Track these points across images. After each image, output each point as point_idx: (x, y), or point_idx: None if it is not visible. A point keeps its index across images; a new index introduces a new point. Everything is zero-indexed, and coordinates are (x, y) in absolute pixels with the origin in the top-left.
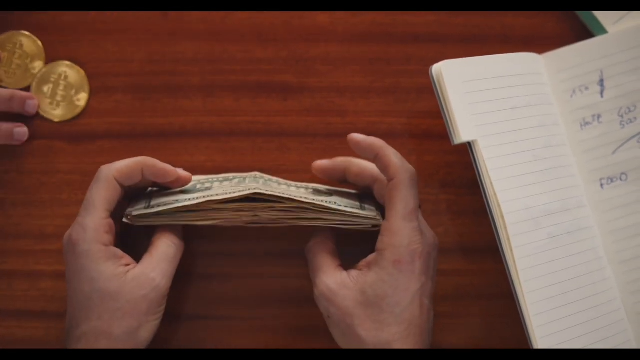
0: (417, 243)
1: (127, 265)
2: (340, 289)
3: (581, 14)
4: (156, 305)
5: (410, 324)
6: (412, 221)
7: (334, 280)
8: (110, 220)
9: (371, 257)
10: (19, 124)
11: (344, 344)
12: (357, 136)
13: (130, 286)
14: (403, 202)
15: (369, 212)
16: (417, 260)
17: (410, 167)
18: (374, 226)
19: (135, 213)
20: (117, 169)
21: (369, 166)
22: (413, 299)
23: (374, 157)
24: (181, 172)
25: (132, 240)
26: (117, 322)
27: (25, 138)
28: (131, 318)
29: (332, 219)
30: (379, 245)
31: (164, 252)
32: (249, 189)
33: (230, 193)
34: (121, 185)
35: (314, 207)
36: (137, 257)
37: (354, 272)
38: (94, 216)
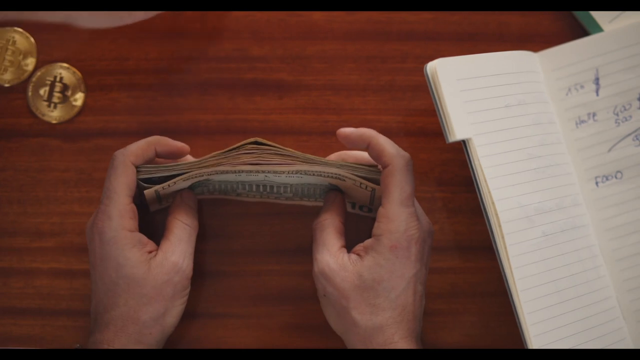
0: (413, 229)
1: (151, 252)
2: (340, 270)
3: (577, 12)
4: (181, 288)
5: (404, 309)
6: (408, 207)
7: (335, 260)
8: (133, 206)
9: (368, 241)
10: None
11: (338, 325)
12: (345, 130)
13: (155, 272)
14: (399, 187)
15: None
16: (413, 246)
17: (404, 153)
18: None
19: (142, 176)
20: (132, 152)
21: (363, 156)
22: (408, 285)
23: (367, 146)
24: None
25: (147, 225)
26: (143, 307)
27: None
28: (157, 303)
29: (333, 171)
30: (375, 231)
31: (180, 233)
32: (251, 139)
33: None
34: (137, 167)
35: (315, 159)
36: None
37: (352, 256)
38: (117, 203)
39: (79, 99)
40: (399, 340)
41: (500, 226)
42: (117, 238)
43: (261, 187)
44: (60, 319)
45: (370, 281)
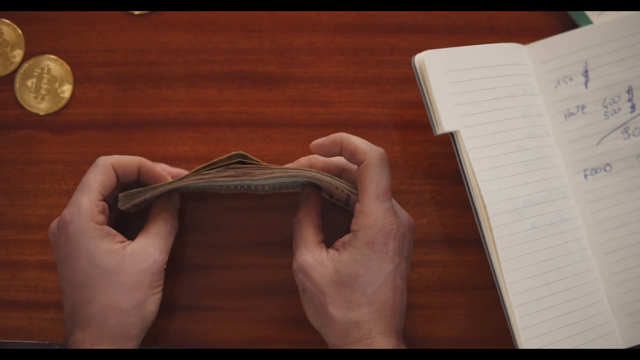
0: (390, 224)
1: (123, 242)
2: (317, 265)
3: None
4: (157, 278)
5: (383, 304)
6: (384, 202)
7: (312, 256)
8: (104, 203)
9: (346, 237)
10: None
11: (315, 320)
12: (317, 140)
13: (130, 260)
14: (374, 182)
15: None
16: (390, 241)
17: (378, 148)
18: (350, 194)
19: (124, 193)
20: (115, 158)
21: (333, 159)
22: (386, 280)
23: (341, 149)
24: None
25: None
26: (122, 296)
27: None
28: (136, 291)
29: (311, 175)
30: (352, 226)
31: (161, 230)
32: (234, 152)
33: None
34: (117, 176)
35: (294, 170)
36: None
37: (331, 251)
38: (88, 196)
39: (66, 90)
40: (377, 335)
41: (488, 219)
42: (87, 230)
43: (239, 186)
44: (47, 312)
45: (346, 277)
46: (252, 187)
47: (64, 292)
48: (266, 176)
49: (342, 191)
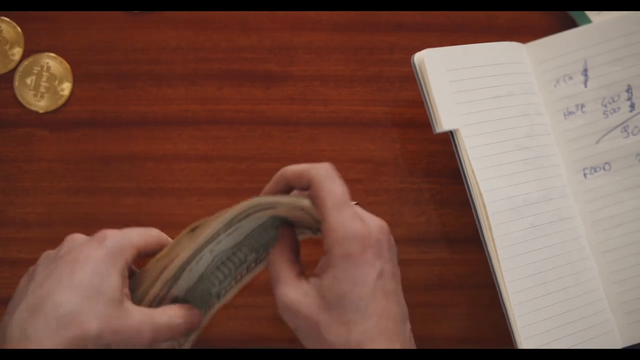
0: (360, 229)
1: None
2: (302, 298)
3: None
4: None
5: (380, 316)
6: (345, 210)
7: (293, 290)
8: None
9: (322, 259)
10: None
11: None
12: (265, 189)
13: (132, 310)
14: (329, 195)
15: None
16: (367, 249)
17: (321, 164)
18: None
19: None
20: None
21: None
22: (375, 289)
23: (287, 183)
24: None
25: None
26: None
27: None
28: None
29: (255, 203)
30: (324, 246)
31: (167, 321)
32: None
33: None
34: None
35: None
36: None
37: (312, 279)
38: (130, 250)
39: (66, 88)
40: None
41: (488, 217)
42: (117, 259)
43: (222, 267)
44: None
45: (334, 299)
46: (236, 259)
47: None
48: (217, 224)
49: (303, 209)
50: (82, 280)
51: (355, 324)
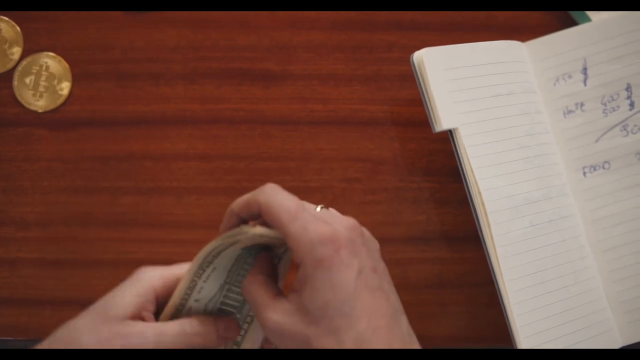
0: (325, 233)
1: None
2: (286, 317)
3: None
4: None
5: (369, 316)
6: (302, 218)
7: (273, 312)
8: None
9: (298, 273)
10: None
11: None
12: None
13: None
14: (281, 210)
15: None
16: (339, 250)
17: (265, 186)
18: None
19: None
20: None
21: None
22: (357, 289)
23: (238, 216)
24: None
25: None
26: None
27: None
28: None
29: (219, 243)
30: (296, 260)
31: (179, 330)
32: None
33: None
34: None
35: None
36: None
37: (291, 296)
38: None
39: (65, 88)
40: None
41: (486, 216)
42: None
43: (224, 310)
44: (45, 309)
45: (318, 309)
46: (230, 300)
47: None
48: (191, 268)
49: (262, 235)
50: (100, 300)
51: (345, 330)
